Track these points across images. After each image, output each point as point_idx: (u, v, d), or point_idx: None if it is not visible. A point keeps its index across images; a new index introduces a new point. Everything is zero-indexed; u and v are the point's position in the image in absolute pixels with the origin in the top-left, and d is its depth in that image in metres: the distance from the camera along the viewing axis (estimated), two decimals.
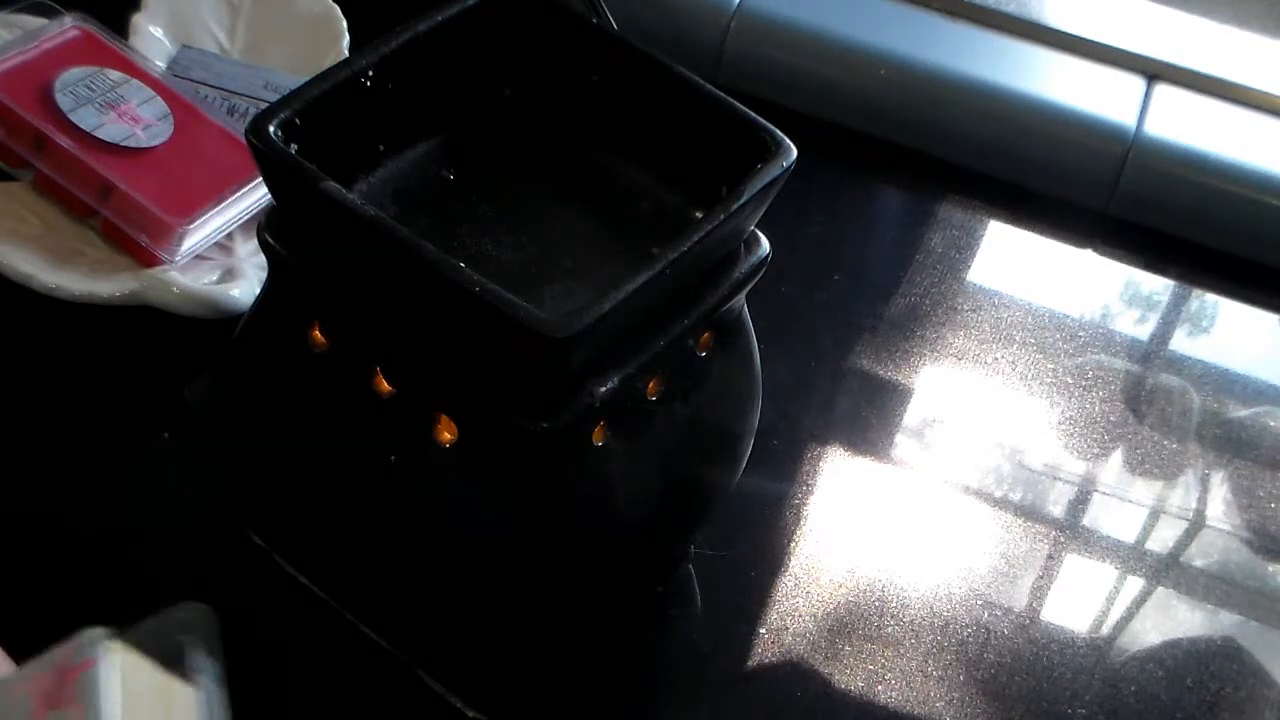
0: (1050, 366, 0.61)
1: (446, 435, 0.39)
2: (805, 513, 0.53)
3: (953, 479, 0.56)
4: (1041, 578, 0.53)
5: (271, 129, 0.38)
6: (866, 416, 0.57)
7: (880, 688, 0.49)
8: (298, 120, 0.39)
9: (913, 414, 0.58)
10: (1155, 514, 0.56)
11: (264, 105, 0.45)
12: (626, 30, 0.45)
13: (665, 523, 0.45)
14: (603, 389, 0.38)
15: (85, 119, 0.54)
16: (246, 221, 0.54)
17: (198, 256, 0.53)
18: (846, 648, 0.49)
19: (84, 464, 0.50)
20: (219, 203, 0.53)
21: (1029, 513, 0.55)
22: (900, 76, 0.67)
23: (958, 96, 0.67)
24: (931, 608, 0.51)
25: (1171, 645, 0.52)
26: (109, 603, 0.44)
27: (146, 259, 0.52)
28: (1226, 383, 0.62)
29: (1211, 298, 0.66)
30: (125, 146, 0.54)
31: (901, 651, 0.50)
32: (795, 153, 0.41)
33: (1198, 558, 0.55)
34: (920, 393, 0.59)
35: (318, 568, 0.47)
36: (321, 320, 0.41)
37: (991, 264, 0.65)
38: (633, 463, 0.41)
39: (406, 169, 0.43)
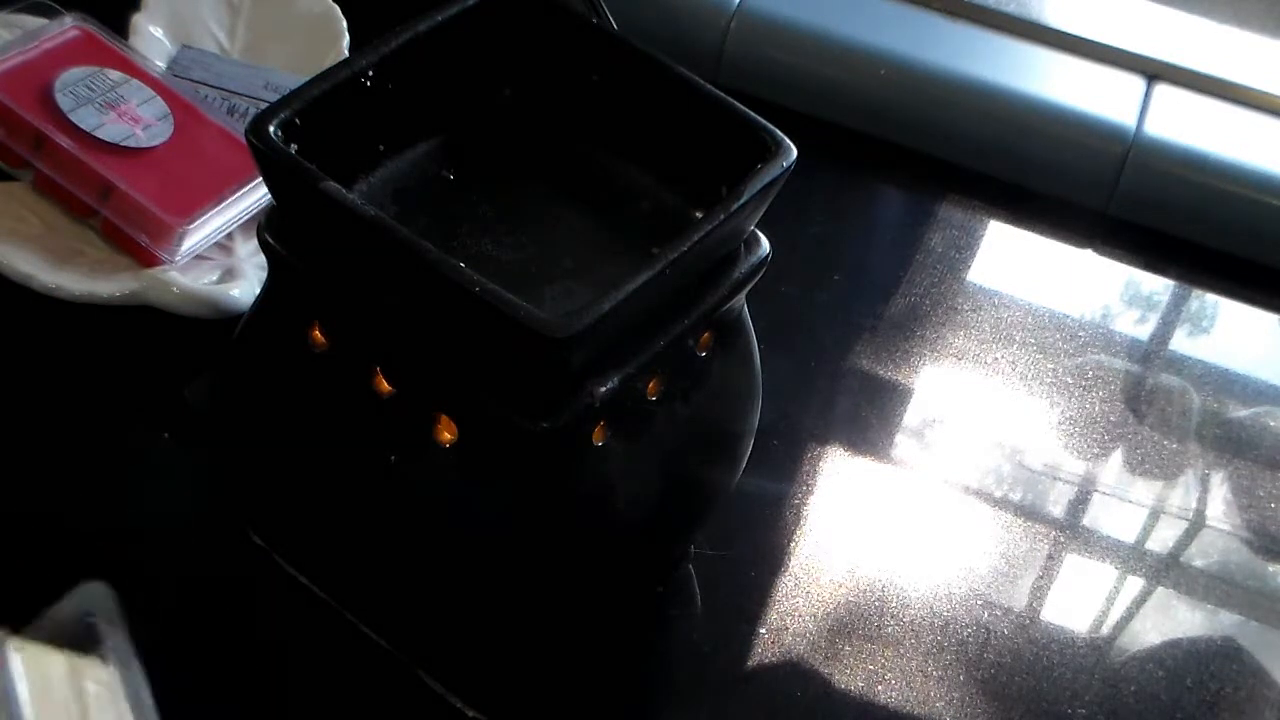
0: (1050, 366, 0.61)
1: (446, 435, 0.39)
2: (805, 513, 0.53)
3: (953, 479, 0.56)
4: (1041, 578, 0.53)
5: (271, 129, 0.38)
6: (866, 416, 0.57)
7: (880, 688, 0.49)
8: (298, 120, 0.39)
9: (913, 414, 0.58)
10: (1155, 514, 0.56)
11: (264, 105, 0.45)
12: (626, 30, 0.45)
13: (665, 523, 0.45)
14: (603, 389, 0.38)
15: (85, 119, 0.54)
16: (246, 221, 0.54)
17: (198, 256, 0.53)
18: (846, 648, 0.49)
19: (84, 464, 0.50)
20: (219, 203, 0.53)
21: (1029, 513, 0.55)
22: (900, 76, 0.67)
23: (958, 96, 0.67)
24: (931, 608, 0.51)
25: (1171, 645, 0.52)
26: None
27: (146, 259, 0.52)
28: (1226, 383, 0.62)
29: (1211, 298, 0.66)
30: (125, 146, 0.54)
31: (901, 651, 0.50)
32: (795, 153, 0.41)
33: (1198, 558, 0.55)
34: (920, 393, 0.59)
35: (318, 568, 0.47)
36: (321, 320, 0.41)
37: (991, 264, 0.65)
38: (633, 463, 0.41)
39: (406, 169, 0.43)
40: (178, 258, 0.52)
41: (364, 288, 0.39)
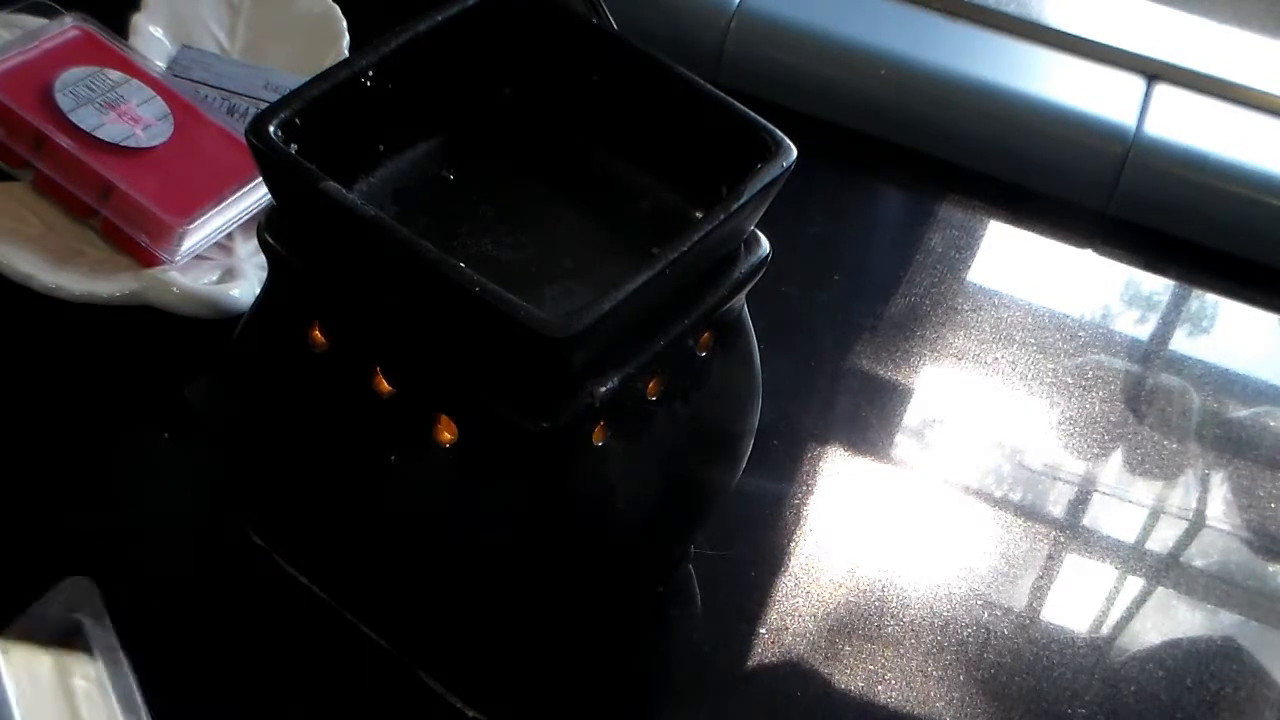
0: (1050, 366, 0.61)
1: (446, 435, 0.39)
2: (805, 513, 0.53)
3: (953, 479, 0.56)
4: (1041, 578, 0.53)
5: (271, 129, 0.38)
6: (866, 416, 0.57)
7: (880, 688, 0.49)
8: (298, 120, 0.39)
9: (913, 414, 0.58)
10: (1155, 514, 0.56)
11: (264, 105, 0.45)
12: (626, 30, 0.45)
13: (665, 523, 0.45)
14: (603, 389, 0.38)
15: (85, 119, 0.54)
16: (246, 221, 0.54)
17: (198, 256, 0.53)
18: (846, 648, 0.49)
19: (84, 464, 0.50)
20: (219, 203, 0.53)
21: (1029, 513, 0.55)
22: (900, 76, 0.67)
23: (958, 96, 0.67)
24: (931, 608, 0.51)
25: (1171, 645, 0.52)
26: (109, 603, 0.44)
27: (146, 259, 0.52)
28: (1226, 383, 0.62)
29: (1211, 298, 0.66)
30: (125, 146, 0.54)
31: (901, 651, 0.50)
32: (795, 153, 0.41)
33: (1198, 558, 0.55)
34: (920, 393, 0.59)
35: (318, 568, 0.47)
36: (321, 320, 0.41)
37: (991, 264, 0.65)
38: (633, 463, 0.41)
39: (406, 169, 0.43)
40: (178, 258, 0.52)
41: (364, 288, 0.39)
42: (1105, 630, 0.52)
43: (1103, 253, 0.66)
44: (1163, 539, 0.56)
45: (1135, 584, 0.54)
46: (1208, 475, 0.58)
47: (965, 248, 0.65)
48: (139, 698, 0.41)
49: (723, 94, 0.42)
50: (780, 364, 0.56)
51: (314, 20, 0.62)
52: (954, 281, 0.63)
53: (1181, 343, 0.64)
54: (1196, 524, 0.56)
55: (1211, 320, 0.65)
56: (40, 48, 0.55)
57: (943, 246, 0.65)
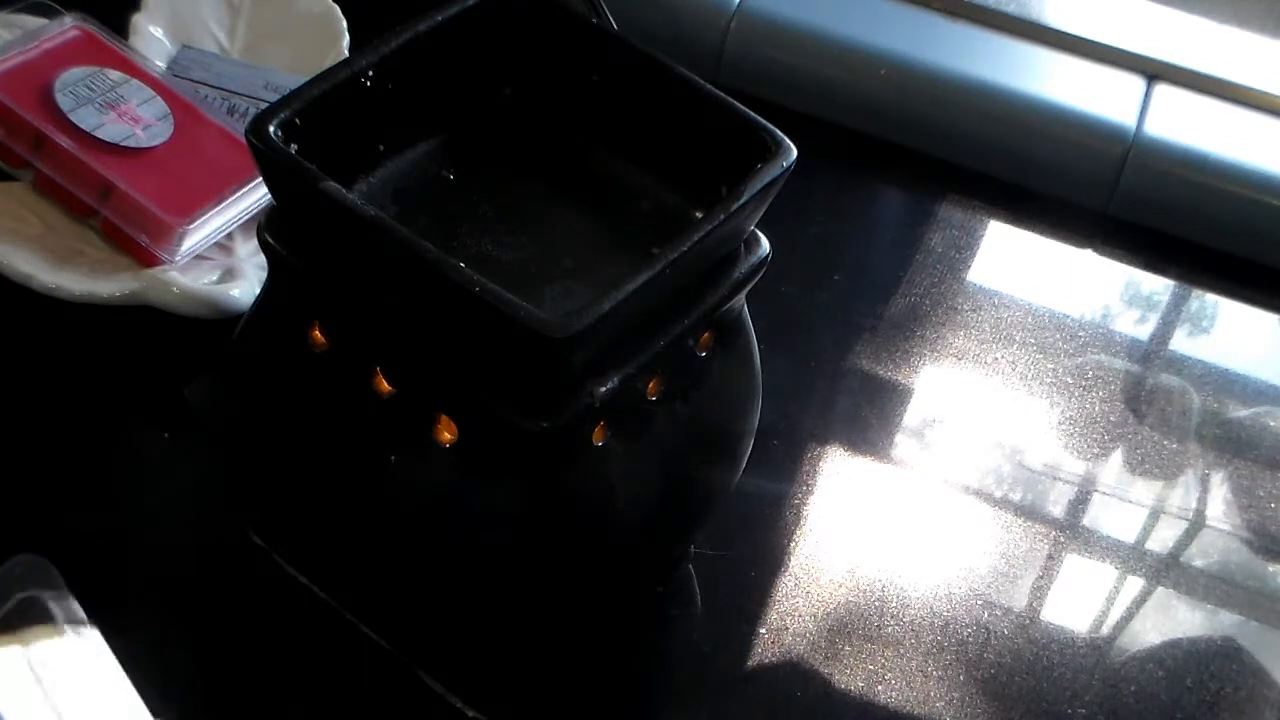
0: (1050, 366, 0.61)
1: (446, 435, 0.39)
2: (805, 513, 0.53)
3: (953, 479, 0.56)
4: (1041, 578, 0.53)
5: (271, 129, 0.38)
6: (866, 416, 0.57)
7: (880, 688, 0.49)
8: (298, 120, 0.39)
9: (913, 414, 0.58)
10: (1155, 514, 0.56)
11: (264, 105, 0.45)
12: (626, 30, 0.45)
13: (665, 523, 0.45)
14: (603, 389, 0.38)
15: (85, 119, 0.54)
16: (246, 221, 0.54)
17: (198, 256, 0.53)
18: (846, 648, 0.49)
19: (84, 464, 0.50)
20: (219, 203, 0.53)
21: (1029, 513, 0.55)
22: (900, 76, 0.67)
23: (958, 96, 0.67)
24: (931, 608, 0.51)
25: (1171, 645, 0.52)
26: (109, 603, 0.44)
27: (146, 259, 0.52)
28: (1226, 383, 0.62)
29: (1211, 298, 0.66)
30: (125, 146, 0.54)
31: (901, 651, 0.50)
32: (795, 153, 0.41)
33: (1198, 558, 0.55)
34: (920, 393, 0.59)
35: (318, 568, 0.47)
36: (321, 320, 0.41)
37: (991, 264, 0.65)
38: (633, 463, 0.41)
39: (406, 169, 0.43)
40: (178, 258, 0.52)
41: (364, 288, 0.39)
42: (1105, 630, 0.52)
43: (1103, 253, 0.66)
44: (1163, 539, 0.56)
45: (1135, 584, 0.54)
46: (1208, 475, 0.58)
47: (965, 248, 0.65)
48: (115, 663, 0.41)
49: (723, 94, 0.42)
50: (780, 364, 0.56)
51: (314, 20, 0.62)
52: (954, 281, 0.63)
53: (1181, 343, 0.64)
54: (1196, 524, 0.56)
55: (1211, 320, 0.65)
56: (40, 48, 0.55)
57: (943, 246, 0.65)
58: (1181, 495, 0.57)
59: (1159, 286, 0.66)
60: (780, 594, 0.51)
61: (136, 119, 0.55)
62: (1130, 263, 0.66)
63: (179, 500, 0.50)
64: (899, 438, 0.57)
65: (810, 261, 0.63)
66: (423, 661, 0.46)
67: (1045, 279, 0.65)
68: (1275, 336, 0.65)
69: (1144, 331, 0.64)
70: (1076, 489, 0.57)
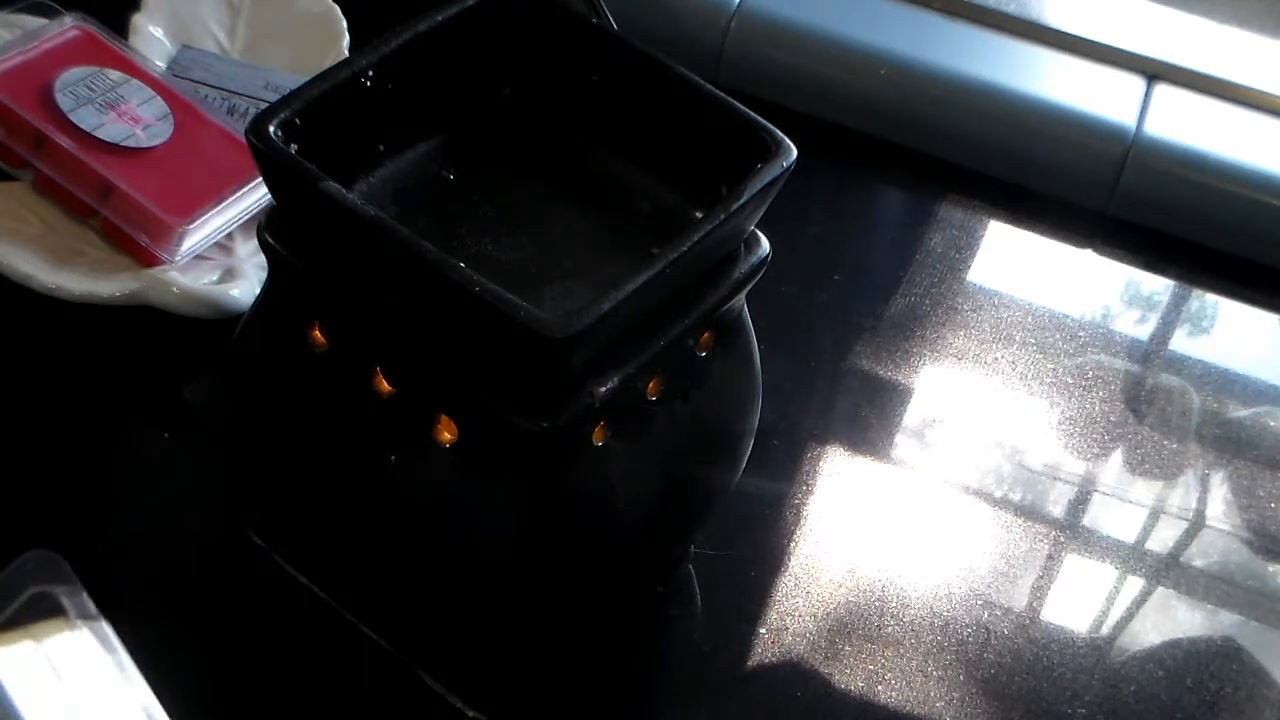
0: (1050, 366, 0.61)
1: (446, 435, 0.39)
2: (805, 513, 0.53)
3: (953, 479, 0.56)
4: (1041, 578, 0.53)
5: (271, 129, 0.38)
6: (866, 416, 0.57)
7: (880, 688, 0.49)
8: (298, 120, 0.39)
9: (913, 414, 0.58)
10: (1155, 514, 0.56)
11: (264, 105, 0.45)
12: (626, 30, 0.45)
13: (665, 523, 0.45)
14: (603, 389, 0.38)
15: (85, 119, 0.54)
16: (246, 221, 0.54)
17: (198, 256, 0.53)
18: (846, 648, 0.49)
19: (84, 464, 0.50)
20: (219, 203, 0.53)
21: (1029, 513, 0.55)
22: (900, 76, 0.67)
23: (958, 96, 0.67)
24: (931, 608, 0.51)
25: (1171, 645, 0.52)
26: (109, 602, 0.44)
27: (146, 259, 0.52)
28: (1226, 383, 0.62)
29: (1211, 298, 0.66)
30: (125, 146, 0.54)
31: (901, 651, 0.50)
32: (795, 153, 0.41)
33: (1198, 558, 0.55)
34: (920, 393, 0.59)
35: (318, 568, 0.47)
36: (321, 320, 0.41)
37: (991, 264, 0.65)
38: (633, 463, 0.41)
39: (406, 169, 0.43)
40: (178, 258, 0.52)
41: (364, 288, 0.39)
42: (1105, 630, 0.52)
43: (1103, 253, 0.66)
44: (1163, 539, 0.56)
45: (1135, 584, 0.54)
46: (1208, 475, 0.58)
47: (965, 248, 0.65)
48: (128, 658, 0.41)
49: (723, 94, 0.42)
50: (780, 364, 0.56)
51: (314, 20, 0.62)
52: (954, 281, 0.63)
53: (1181, 343, 0.64)
54: (1196, 524, 0.56)
55: (1211, 320, 0.65)
56: (40, 48, 0.55)
57: (943, 246, 0.65)
58: (1181, 495, 0.57)
59: (1159, 286, 0.66)
60: (780, 594, 0.51)
61: (136, 119, 0.55)
62: (1130, 263, 0.66)
63: (179, 500, 0.50)
64: (899, 438, 0.57)
65: (810, 261, 0.63)
66: (423, 661, 0.46)
67: (1045, 279, 0.65)
68: (1275, 336, 0.65)
69: (1144, 331, 0.64)
70: (1076, 489, 0.57)
